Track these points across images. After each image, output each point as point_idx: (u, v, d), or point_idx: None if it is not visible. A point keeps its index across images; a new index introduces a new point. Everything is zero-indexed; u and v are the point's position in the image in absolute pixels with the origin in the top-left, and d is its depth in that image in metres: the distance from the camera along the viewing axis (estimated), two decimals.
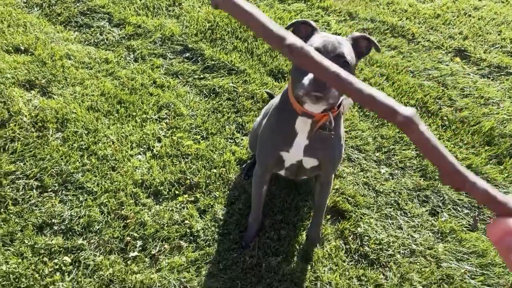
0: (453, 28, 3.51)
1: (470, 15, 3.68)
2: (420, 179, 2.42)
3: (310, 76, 1.37)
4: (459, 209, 2.32)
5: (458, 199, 2.35)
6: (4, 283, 1.83)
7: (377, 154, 2.55)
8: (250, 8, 0.40)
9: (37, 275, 1.85)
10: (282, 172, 1.88)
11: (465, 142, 2.62)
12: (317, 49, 1.42)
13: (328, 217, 2.20)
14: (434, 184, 2.40)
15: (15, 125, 2.44)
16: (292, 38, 0.39)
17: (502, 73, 3.13)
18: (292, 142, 1.67)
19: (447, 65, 3.16)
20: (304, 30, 1.56)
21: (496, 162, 2.53)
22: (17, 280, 1.84)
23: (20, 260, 1.90)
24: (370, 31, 3.40)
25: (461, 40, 3.37)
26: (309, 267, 1.98)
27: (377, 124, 2.72)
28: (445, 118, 2.76)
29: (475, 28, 3.51)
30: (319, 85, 1.35)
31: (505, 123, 2.72)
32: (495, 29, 3.53)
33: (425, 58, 3.21)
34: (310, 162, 1.73)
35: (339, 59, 1.42)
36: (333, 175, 1.96)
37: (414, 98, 2.87)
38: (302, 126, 1.63)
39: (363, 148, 2.57)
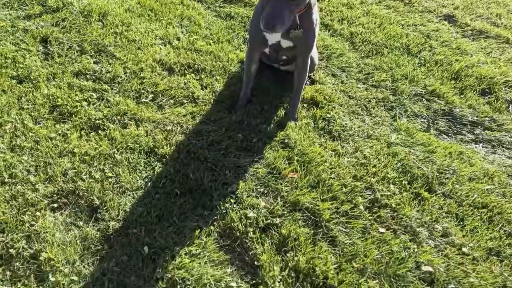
0: (447, 0, 3.97)
1: None
2: (390, 95, 2.87)
3: (264, 14, 1.89)
4: (418, 118, 2.75)
5: (419, 111, 2.78)
6: (44, 100, 2.38)
7: (358, 75, 3.01)
8: None
9: (69, 99, 2.40)
10: (267, 50, 2.39)
11: (435, 76, 3.06)
12: None
13: (305, 105, 2.67)
14: (400, 99, 2.84)
15: (66, 11, 3.04)
16: None
17: (482, 36, 3.56)
18: None
19: (435, 24, 3.62)
20: None
21: (458, 92, 2.96)
22: (54, 100, 2.38)
23: (58, 90, 2.45)
24: None
25: (452, 9, 3.83)
26: (281, 131, 2.45)
27: (363, 55, 3.19)
28: (423, 58, 3.22)
29: (467, 2, 3.96)
30: (270, 23, 1.86)
31: (472, 67, 3.15)
32: (485, 5, 3.97)
33: (417, 17, 3.68)
34: (286, 43, 2.27)
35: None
36: (308, 62, 2.44)
37: (399, 42, 3.34)
38: None
39: (346, 69, 3.04)
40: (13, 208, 1.87)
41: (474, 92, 2.95)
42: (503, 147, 2.63)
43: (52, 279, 1.67)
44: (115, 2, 3.23)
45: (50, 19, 2.94)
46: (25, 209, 1.87)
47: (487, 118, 2.78)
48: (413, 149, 2.48)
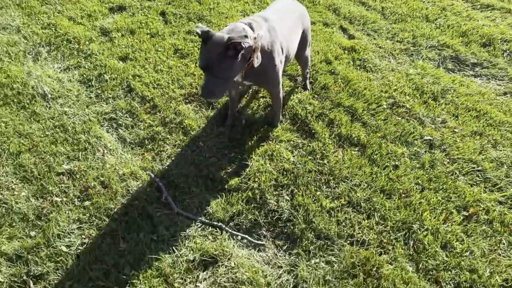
0: None
1: None
2: (410, 46, 3.87)
3: (202, 83, 2.08)
4: (431, 61, 3.73)
5: (432, 57, 3.76)
6: (170, 46, 3.59)
7: (387, 35, 4.04)
8: None
9: (185, 46, 3.59)
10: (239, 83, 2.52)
11: (447, 34, 4.03)
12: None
13: (345, 51, 3.73)
14: (418, 49, 3.83)
15: None
16: None
17: (489, 9, 4.48)
18: None
19: (450, 0, 4.58)
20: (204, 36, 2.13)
21: (464, 44, 3.91)
22: (176, 46, 3.59)
23: (177, 40, 3.66)
24: None
25: None
26: (329, 67, 3.51)
27: (391, 22, 4.22)
28: (438, 23, 4.19)
29: None
30: (207, 93, 2.08)
31: (477, 28, 4.09)
32: None
33: None
34: (247, 83, 2.51)
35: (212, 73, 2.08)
36: (277, 93, 2.66)
37: (420, 12, 4.34)
38: None
39: (378, 31, 4.08)
40: (163, 99, 3.05)
41: (477, 44, 3.88)
42: (495, 79, 3.55)
43: (193, 133, 2.82)
44: None
45: (164, 0, 4.20)
46: (170, 101, 3.05)
47: (485, 61, 3.71)
48: (426, 78, 3.46)
